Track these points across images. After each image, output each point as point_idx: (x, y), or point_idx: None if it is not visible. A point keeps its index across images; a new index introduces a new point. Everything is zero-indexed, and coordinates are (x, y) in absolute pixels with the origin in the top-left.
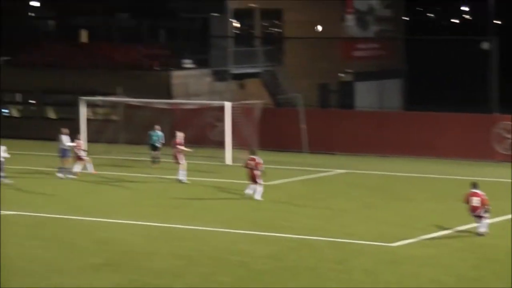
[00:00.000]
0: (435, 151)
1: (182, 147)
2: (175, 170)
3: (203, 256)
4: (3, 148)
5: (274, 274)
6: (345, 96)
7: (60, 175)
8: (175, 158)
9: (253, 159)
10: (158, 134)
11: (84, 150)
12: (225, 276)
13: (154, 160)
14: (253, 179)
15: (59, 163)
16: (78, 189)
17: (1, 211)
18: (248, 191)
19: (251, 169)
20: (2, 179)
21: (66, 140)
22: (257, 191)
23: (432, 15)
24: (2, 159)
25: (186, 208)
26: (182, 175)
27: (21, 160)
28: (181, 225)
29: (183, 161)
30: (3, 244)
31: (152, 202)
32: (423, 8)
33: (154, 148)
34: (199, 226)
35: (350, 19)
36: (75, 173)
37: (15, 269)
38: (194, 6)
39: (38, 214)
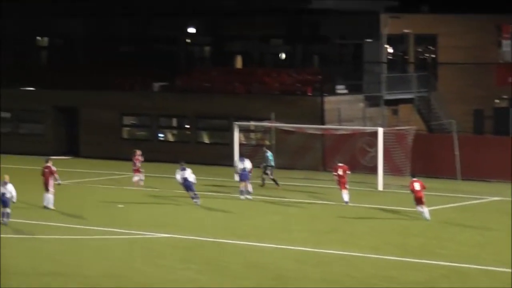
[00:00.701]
0: None
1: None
2: (325, 195)
3: (353, 282)
4: (189, 170)
5: None
6: (500, 122)
7: (242, 196)
8: (341, 184)
9: (418, 181)
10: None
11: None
12: None
13: (265, 182)
14: (420, 200)
15: (240, 186)
16: (231, 213)
17: (156, 234)
18: (421, 211)
19: (418, 191)
20: (195, 200)
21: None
22: (425, 212)
23: None
24: (192, 180)
25: (337, 233)
26: (347, 197)
27: (174, 183)
28: (332, 250)
29: (347, 185)
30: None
31: (303, 226)
32: None
33: (269, 168)
34: (350, 252)
35: (506, 45)
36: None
37: None
38: (347, 32)
39: (194, 238)
